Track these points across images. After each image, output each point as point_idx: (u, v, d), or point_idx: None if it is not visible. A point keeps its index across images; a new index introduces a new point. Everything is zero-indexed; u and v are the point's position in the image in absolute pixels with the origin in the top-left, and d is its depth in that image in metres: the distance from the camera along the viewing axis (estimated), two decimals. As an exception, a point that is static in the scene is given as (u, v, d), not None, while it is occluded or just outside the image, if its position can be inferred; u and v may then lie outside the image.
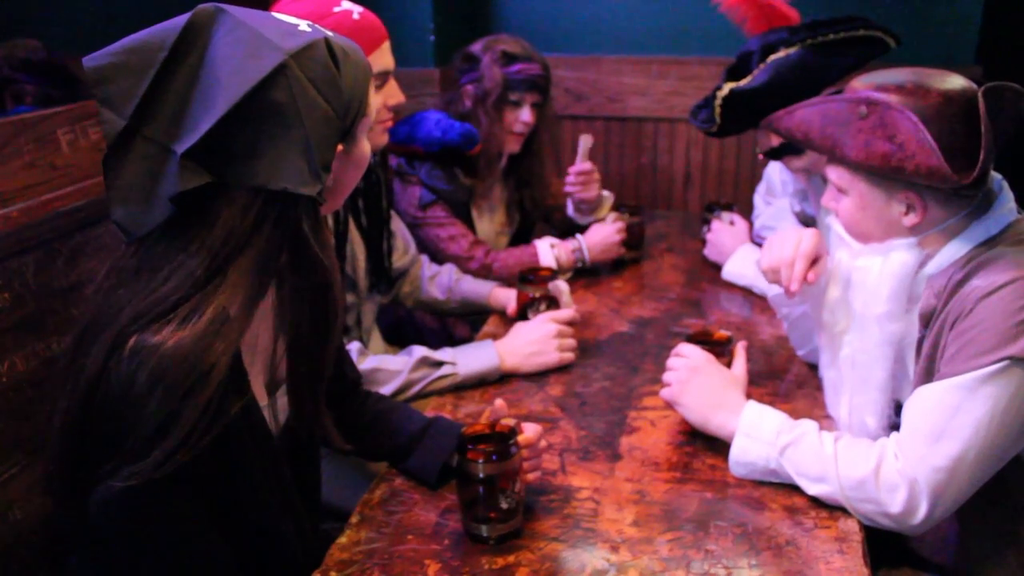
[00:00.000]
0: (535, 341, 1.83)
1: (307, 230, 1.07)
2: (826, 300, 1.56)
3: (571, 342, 1.87)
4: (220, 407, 1.00)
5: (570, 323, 1.89)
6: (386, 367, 1.75)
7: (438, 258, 2.39)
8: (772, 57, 2.05)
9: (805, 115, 1.47)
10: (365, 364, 1.73)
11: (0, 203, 1.32)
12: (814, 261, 1.54)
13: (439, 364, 1.77)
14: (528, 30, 2.81)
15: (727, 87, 2.07)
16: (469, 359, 1.79)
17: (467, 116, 2.37)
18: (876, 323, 1.43)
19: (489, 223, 2.53)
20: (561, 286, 1.98)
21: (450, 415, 1.64)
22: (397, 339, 2.36)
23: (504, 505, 1.27)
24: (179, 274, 1.01)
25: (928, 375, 1.36)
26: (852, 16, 2.07)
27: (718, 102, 2.09)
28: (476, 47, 2.40)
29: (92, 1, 3.15)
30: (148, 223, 1.03)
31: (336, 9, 1.66)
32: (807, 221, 2.38)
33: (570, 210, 2.60)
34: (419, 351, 1.78)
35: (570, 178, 2.49)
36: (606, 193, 2.63)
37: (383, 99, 1.78)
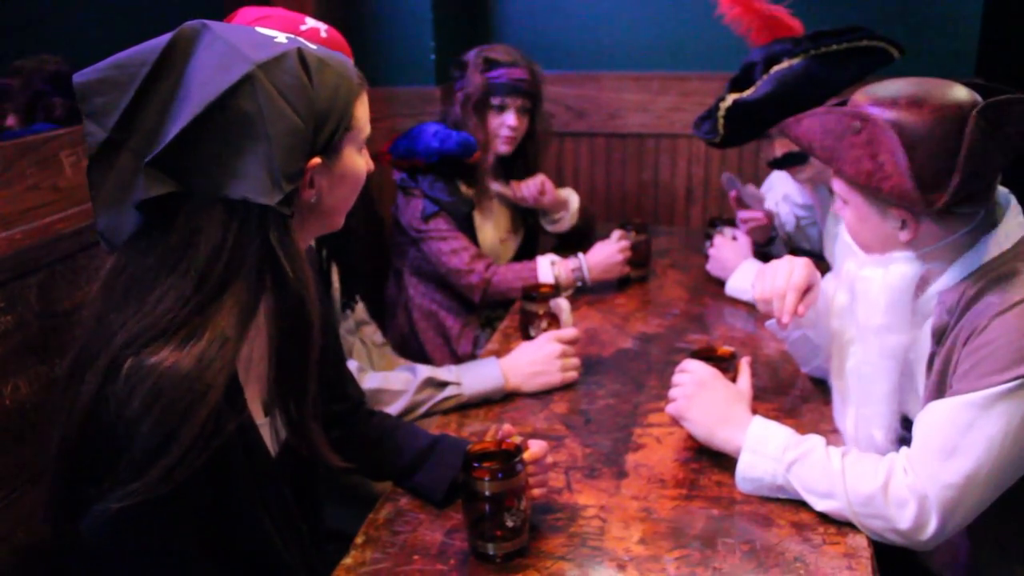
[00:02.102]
0: (538, 361, 1.82)
1: (274, 242, 1.06)
2: (835, 307, 1.56)
3: (574, 361, 1.86)
4: (217, 425, 1.00)
5: (572, 342, 1.88)
6: (389, 387, 1.75)
7: (439, 271, 2.40)
8: (775, 68, 2.05)
9: (809, 124, 1.46)
10: (367, 383, 1.72)
11: (3, 226, 1.32)
12: (806, 291, 1.54)
13: (444, 385, 1.76)
14: (528, 47, 2.81)
15: (730, 98, 2.08)
16: (474, 379, 1.78)
17: (460, 124, 2.42)
18: (875, 335, 1.42)
19: (492, 232, 2.54)
20: (562, 304, 1.97)
21: (455, 433, 1.63)
22: (401, 355, 2.35)
23: (510, 523, 1.26)
24: (171, 296, 1.01)
25: (940, 391, 1.35)
26: (855, 27, 2.07)
27: (721, 113, 2.09)
28: (469, 55, 2.46)
29: (110, 20, 3.15)
30: (122, 232, 1.05)
31: (303, 27, 1.65)
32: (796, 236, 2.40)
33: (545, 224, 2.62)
34: (423, 371, 1.77)
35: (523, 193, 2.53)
36: (566, 191, 2.64)
37: None
